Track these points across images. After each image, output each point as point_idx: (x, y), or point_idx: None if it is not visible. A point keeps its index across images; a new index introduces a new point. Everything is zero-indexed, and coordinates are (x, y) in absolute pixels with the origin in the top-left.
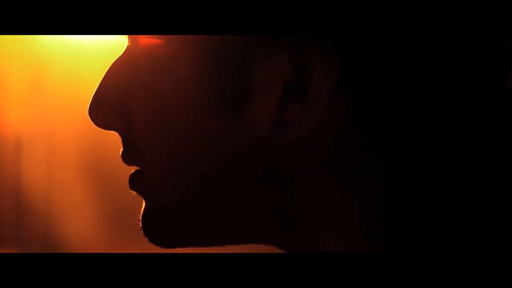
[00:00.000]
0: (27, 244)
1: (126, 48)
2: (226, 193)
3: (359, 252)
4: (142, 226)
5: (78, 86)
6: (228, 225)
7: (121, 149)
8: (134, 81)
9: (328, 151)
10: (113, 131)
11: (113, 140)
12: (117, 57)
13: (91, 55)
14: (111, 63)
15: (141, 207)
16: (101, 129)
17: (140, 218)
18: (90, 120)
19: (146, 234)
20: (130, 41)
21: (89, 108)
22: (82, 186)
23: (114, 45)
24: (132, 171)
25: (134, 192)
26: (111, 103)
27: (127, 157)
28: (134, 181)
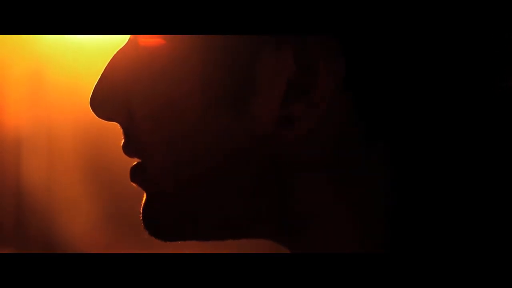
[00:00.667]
0: (27, 244)
1: (128, 40)
2: (227, 188)
3: (360, 252)
4: (143, 218)
5: (78, 86)
6: (228, 220)
7: (122, 141)
8: (136, 73)
9: (330, 150)
10: (114, 123)
11: (113, 139)
12: (119, 48)
13: (91, 55)
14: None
15: (142, 203)
16: (102, 129)
17: (141, 211)
18: (91, 117)
19: (146, 226)
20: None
21: (91, 99)
22: (83, 185)
23: (114, 45)
24: (133, 164)
25: (134, 185)
26: (112, 95)
27: (128, 149)
28: (135, 174)
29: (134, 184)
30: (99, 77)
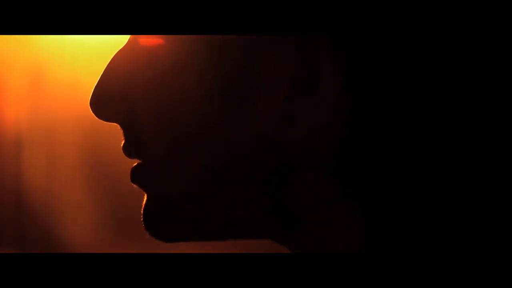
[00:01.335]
0: (27, 244)
1: (127, 41)
2: (228, 188)
3: (361, 252)
4: (143, 219)
5: (78, 86)
6: (229, 220)
7: (122, 142)
8: (136, 74)
9: (332, 150)
10: (114, 128)
11: (114, 139)
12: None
13: (91, 54)
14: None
15: (143, 204)
16: (102, 129)
17: (141, 211)
18: (90, 117)
19: (147, 228)
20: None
21: (90, 100)
22: (83, 185)
23: (114, 45)
24: (134, 164)
25: (135, 186)
26: (112, 96)
27: (128, 150)
28: (135, 174)
29: (134, 185)
30: (98, 78)
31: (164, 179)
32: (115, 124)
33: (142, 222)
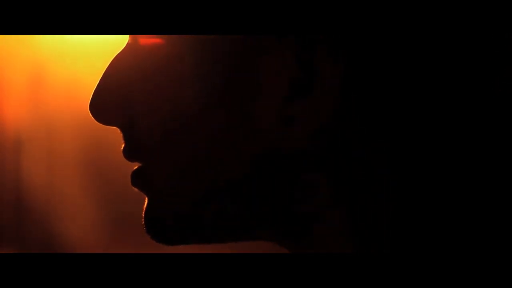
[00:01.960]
0: (27, 244)
1: (127, 43)
2: (229, 190)
3: (361, 252)
4: (145, 223)
5: (78, 86)
6: (232, 223)
7: (123, 145)
8: (136, 76)
9: (331, 150)
10: (114, 128)
11: (114, 140)
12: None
13: (91, 55)
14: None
15: (142, 207)
16: (102, 129)
17: (142, 215)
18: (90, 117)
19: (148, 231)
20: (131, 36)
21: (90, 103)
22: (83, 186)
23: (114, 45)
24: (134, 168)
25: (136, 190)
26: (111, 100)
27: (128, 154)
28: (136, 178)
29: (135, 189)
30: (97, 82)
31: (164, 183)
32: (114, 131)
33: (143, 225)
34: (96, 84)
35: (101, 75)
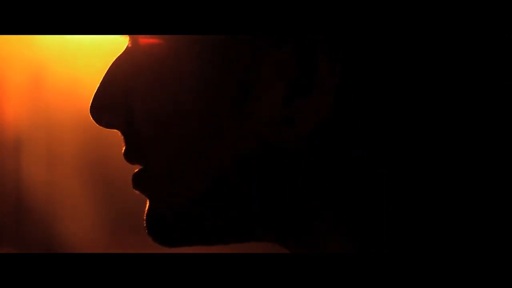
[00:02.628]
0: (26, 244)
1: (127, 46)
2: (230, 191)
3: (362, 252)
4: (146, 225)
5: (78, 86)
6: (233, 224)
7: (124, 148)
8: (136, 79)
9: (332, 151)
10: (115, 130)
11: (113, 140)
12: (118, 55)
13: (90, 55)
14: (111, 63)
15: (142, 206)
16: (102, 129)
17: (144, 217)
18: (91, 119)
19: (150, 233)
20: (131, 38)
21: (91, 106)
22: (83, 186)
23: (114, 45)
24: (135, 170)
25: (137, 192)
26: (112, 101)
27: (129, 156)
28: (137, 181)
29: (136, 191)
30: (97, 83)
31: (166, 185)
32: (114, 131)
33: (145, 227)
34: (96, 88)
35: (101, 76)
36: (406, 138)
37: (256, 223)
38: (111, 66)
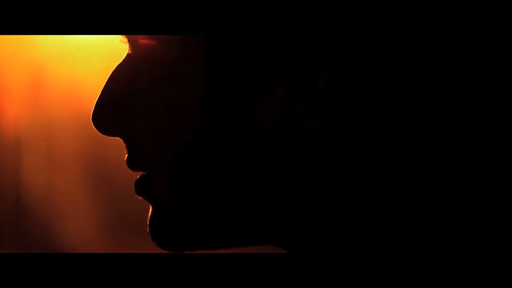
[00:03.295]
0: (26, 245)
1: (127, 54)
2: (233, 195)
3: (361, 252)
4: (150, 231)
5: (78, 86)
6: (236, 228)
7: (126, 156)
8: (137, 87)
9: (332, 151)
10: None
11: (114, 140)
12: (118, 63)
13: (90, 55)
14: (111, 63)
15: (143, 208)
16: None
17: (147, 223)
18: (90, 115)
19: (154, 239)
20: (131, 46)
21: (92, 115)
22: (82, 186)
23: (114, 45)
24: (138, 177)
25: (140, 198)
26: (113, 110)
27: (132, 163)
28: (140, 187)
29: (139, 197)
30: (98, 87)
31: (169, 191)
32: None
33: (148, 233)
34: (97, 96)
35: (101, 76)
36: (406, 138)
37: (257, 224)
38: (111, 74)
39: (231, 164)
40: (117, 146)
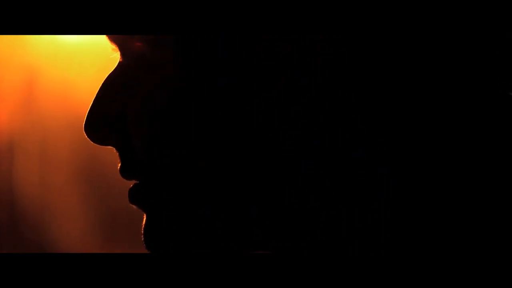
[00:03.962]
0: (20, 248)
1: (118, 62)
2: (232, 197)
3: (361, 253)
4: (144, 240)
5: (72, 89)
6: (235, 230)
7: (119, 165)
8: (129, 95)
9: (333, 150)
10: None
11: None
12: (111, 69)
13: (84, 58)
14: (104, 66)
15: (137, 211)
16: None
17: (142, 232)
18: (83, 118)
19: (148, 247)
20: (122, 54)
21: (85, 125)
22: (76, 190)
23: (107, 47)
24: (131, 185)
25: (134, 207)
26: (106, 119)
27: (126, 172)
28: (134, 196)
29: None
30: (91, 101)
31: (163, 198)
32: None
33: (143, 242)
34: (90, 105)
35: (94, 79)
36: (406, 138)
37: (255, 226)
38: (103, 82)
39: (231, 164)
40: (110, 148)
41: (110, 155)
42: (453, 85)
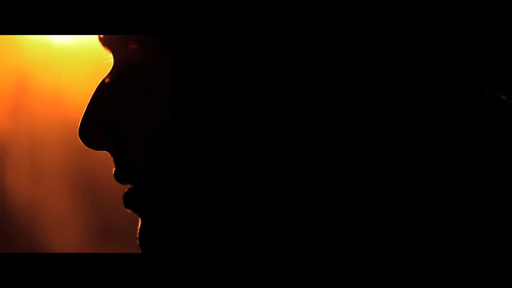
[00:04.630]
0: (10, 250)
1: (111, 68)
2: (223, 204)
3: (362, 253)
4: (140, 244)
5: (63, 93)
6: (228, 236)
7: (113, 169)
8: (123, 99)
9: (332, 150)
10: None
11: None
12: (104, 74)
13: (75, 61)
14: (96, 71)
15: (130, 216)
16: None
17: (137, 236)
18: (75, 124)
19: (143, 251)
20: (115, 59)
21: (79, 130)
22: (67, 193)
23: (99, 51)
24: (126, 190)
25: (129, 211)
26: (100, 124)
27: (120, 176)
28: (129, 199)
29: (129, 211)
30: (85, 107)
31: (158, 203)
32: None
33: (138, 246)
34: (84, 110)
35: (86, 83)
36: (405, 138)
37: (251, 235)
38: (96, 88)
39: (222, 173)
40: (102, 153)
41: (100, 158)
42: (452, 85)
